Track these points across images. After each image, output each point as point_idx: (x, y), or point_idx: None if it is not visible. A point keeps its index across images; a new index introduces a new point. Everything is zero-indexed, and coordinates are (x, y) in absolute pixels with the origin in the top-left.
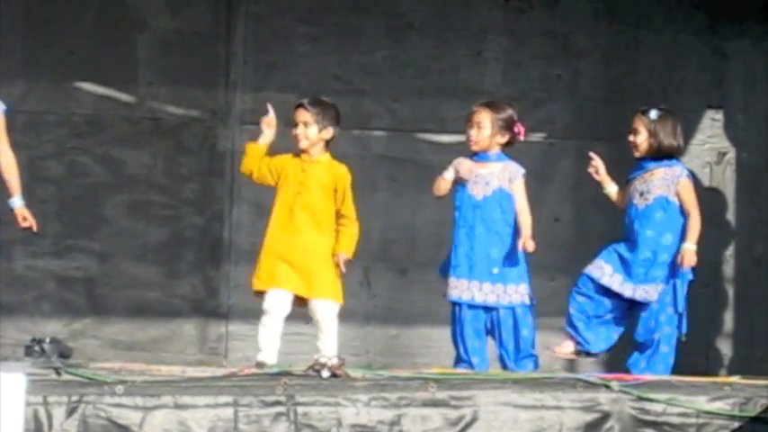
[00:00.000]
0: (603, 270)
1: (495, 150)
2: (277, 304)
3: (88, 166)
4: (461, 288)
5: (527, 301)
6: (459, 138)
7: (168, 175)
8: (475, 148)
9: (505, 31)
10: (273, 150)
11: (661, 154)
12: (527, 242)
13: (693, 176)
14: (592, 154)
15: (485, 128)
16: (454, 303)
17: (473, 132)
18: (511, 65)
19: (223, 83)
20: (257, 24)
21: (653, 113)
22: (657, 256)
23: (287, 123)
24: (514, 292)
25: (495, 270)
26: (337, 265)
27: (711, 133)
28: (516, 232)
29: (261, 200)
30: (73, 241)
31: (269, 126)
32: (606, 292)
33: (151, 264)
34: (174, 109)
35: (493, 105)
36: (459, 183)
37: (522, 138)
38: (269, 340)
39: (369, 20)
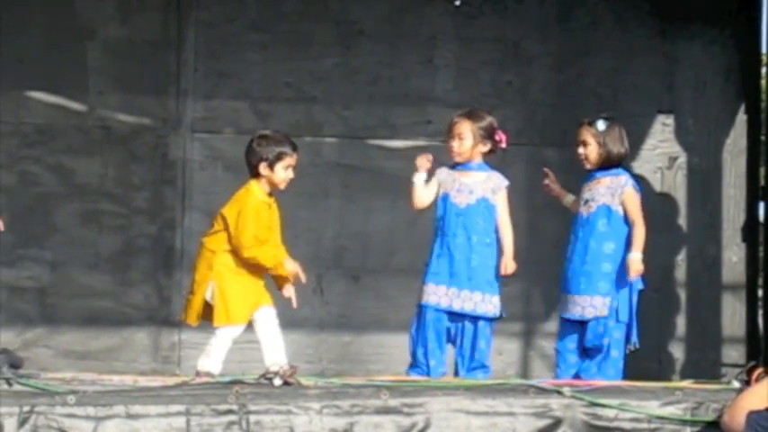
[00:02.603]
0: (561, 299)
1: (478, 160)
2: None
3: (39, 176)
4: (440, 294)
5: (497, 313)
6: (411, 144)
7: (120, 183)
8: (458, 159)
9: (456, 38)
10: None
11: (610, 162)
12: (509, 264)
13: (642, 183)
14: (546, 170)
15: (466, 138)
16: (422, 307)
17: (455, 144)
18: (462, 71)
19: (174, 91)
20: (208, 32)
21: (600, 124)
22: (600, 266)
23: (239, 131)
24: (489, 302)
25: (474, 279)
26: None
27: (662, 138)
28: (496, 243)
29: (212, 208)
30: (24, 251)
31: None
32: (574, 321)
33: (103, 273)
34: (125, 117)
35: (472, 115)
36: (441, 192)
37: (504, 145)
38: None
39: (319, 27)
